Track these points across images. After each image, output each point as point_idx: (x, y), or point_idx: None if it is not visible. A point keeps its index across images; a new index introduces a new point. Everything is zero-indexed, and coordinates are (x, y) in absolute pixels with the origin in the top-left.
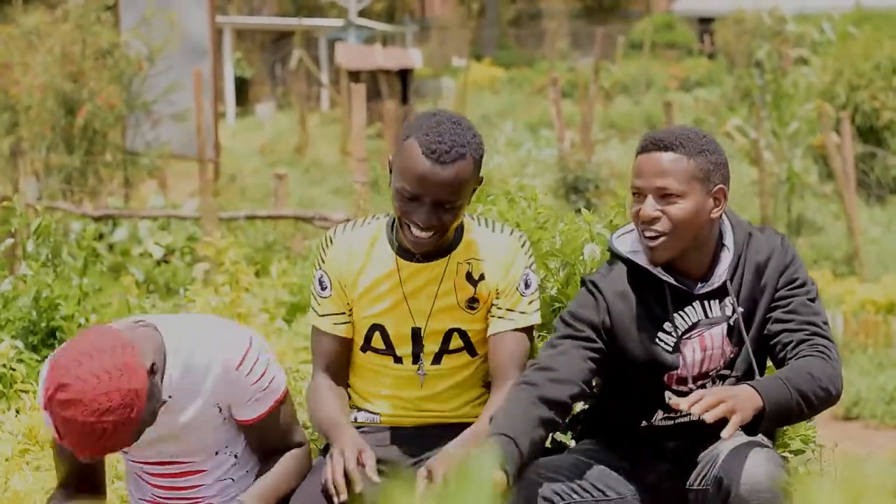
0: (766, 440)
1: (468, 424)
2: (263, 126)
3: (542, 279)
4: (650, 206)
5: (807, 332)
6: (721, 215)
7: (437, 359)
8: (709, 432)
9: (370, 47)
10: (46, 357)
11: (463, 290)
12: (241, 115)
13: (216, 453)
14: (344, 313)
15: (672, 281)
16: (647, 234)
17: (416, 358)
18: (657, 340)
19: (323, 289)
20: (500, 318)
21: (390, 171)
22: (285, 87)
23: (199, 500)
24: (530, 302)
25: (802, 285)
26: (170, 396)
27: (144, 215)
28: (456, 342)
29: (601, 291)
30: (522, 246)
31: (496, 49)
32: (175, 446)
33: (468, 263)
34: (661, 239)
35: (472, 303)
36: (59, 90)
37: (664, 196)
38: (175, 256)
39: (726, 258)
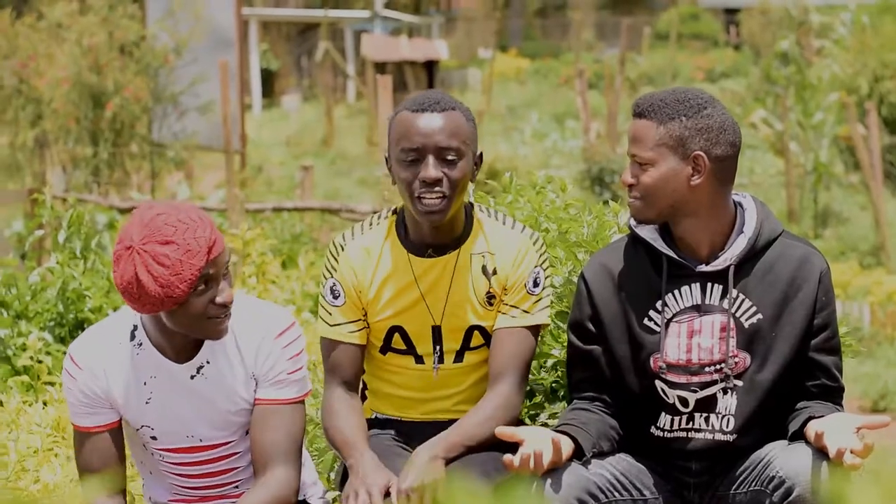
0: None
1: None
2: (289, 118)
3: (570, 270)
4: (627, 172)
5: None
6: (708, 184)
7: (458, 356)
8: (732, 453)
9: (396, 39)
10: None
11: (480, 285)
12: (268, 107)
13: (246, 432)
14: (359, 320)
15: (671, 253)
16: (630, 198)
17: (438, 357)
18: (646, 319)
19: (335, 297)
20: (503, 314)
21: (390, 170)
22: (311, 78)
23: (229, 485)
24: (536, 301)
25: (835, 333)
26: (208, 363)
27: None
28: (477, 339)
29: (584, 279)
30: (535, 243)
31: (522, 40)
32: (209, 428)
33: (482, 256)
34: (638, 203)
35: (490, 298)
36: (85, 82)
37: (638, 163)
38: None
39: (740, 244)
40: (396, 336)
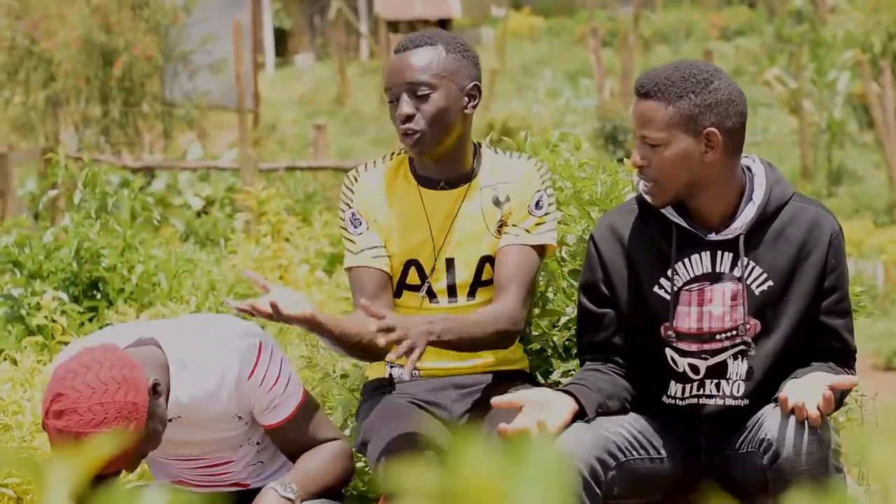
0: None
1: (508, 372)
2: (302, 76)
3: (583, 229)
4: (637, 154)
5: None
6: (721, 157)
7: (471, 293)
8: (743, 417)
9: None
10: (88, 308)
11: (492, 216)
12: (281, 66)
13: (240, 446)
14: (383, 246)
15: (681, 223)
16: (642, 180)
17: (451, 292)
18: (655, 287)
19: (356, 226)
20: (506, 234)
21: None
22: (324, 37)
23: (229, 475)
24: (538, 223)
25: (844, 295)
26: (178, 417)
27: (184, 167)
28: (488, 272)
29: (594, 241)
30: (539, 169)
31: None
32: (198, 449)
33: (494, 188)
34: (652, 185)
35: (501, 227)
36: (95, 42)
37: (648, 144)
38: (215, 207)
39: (749, 212)
40: (412, 271)
